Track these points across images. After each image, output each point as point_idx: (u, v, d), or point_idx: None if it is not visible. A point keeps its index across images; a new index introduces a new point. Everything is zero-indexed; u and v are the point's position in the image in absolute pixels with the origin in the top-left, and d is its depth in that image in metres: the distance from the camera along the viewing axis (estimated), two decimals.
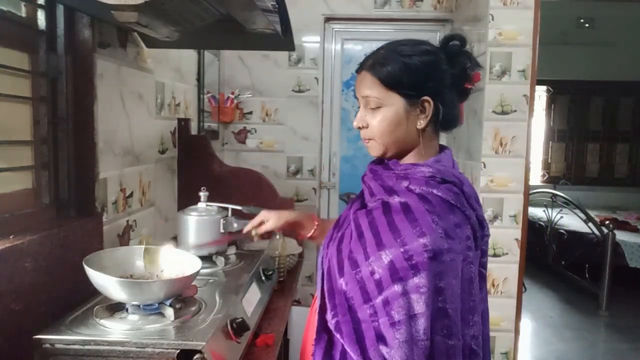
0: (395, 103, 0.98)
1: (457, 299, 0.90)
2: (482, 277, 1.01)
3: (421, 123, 0.99)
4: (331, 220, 1.25)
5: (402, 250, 0.88)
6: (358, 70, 1.03)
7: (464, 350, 0.92)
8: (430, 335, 0.86)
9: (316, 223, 1.29)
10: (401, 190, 0.96)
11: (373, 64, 0.99)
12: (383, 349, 0.86)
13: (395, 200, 0.96)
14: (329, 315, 0.95)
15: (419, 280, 0.86)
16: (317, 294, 1.04)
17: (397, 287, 0.87)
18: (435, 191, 0.94)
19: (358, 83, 1.03)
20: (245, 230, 1.34)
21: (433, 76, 0.98)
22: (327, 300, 0.97)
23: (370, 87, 0.99)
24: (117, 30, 1.54)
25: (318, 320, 0.98)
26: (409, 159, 1.03)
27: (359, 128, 1.03)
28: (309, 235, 1.29)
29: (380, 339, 0.87)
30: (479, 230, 0.98)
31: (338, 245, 1.02)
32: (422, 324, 0.85)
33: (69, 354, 1.00)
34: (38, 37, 1.28)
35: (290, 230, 1.33)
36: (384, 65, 0.98)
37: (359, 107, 1.04)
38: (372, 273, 0.90)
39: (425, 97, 0.97)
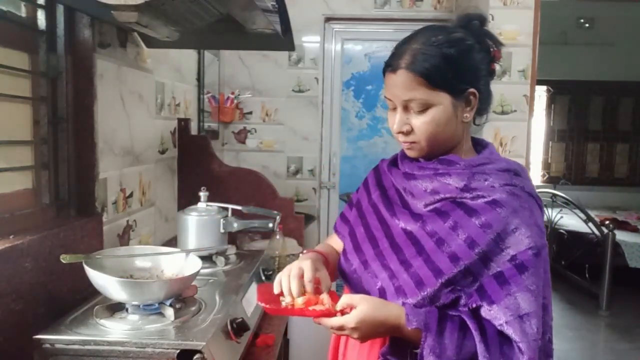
0: (443, 101, 0.89)
1: (549, 291, 0.89)
2: None
3: (467, 117, 0.93)
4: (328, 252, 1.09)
5: (503, 253, 0.84)
6: (392, 70, 0.91)
7: (547, 343, 0.90)
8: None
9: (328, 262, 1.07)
10: (482, 186, 0.89)
11: (412, 61, 0.88)
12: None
13: (478, 200, 0.88)
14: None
15: (527, 279, 0.83)
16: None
17: (505, 290, 0.82)
18: (519, 184, 0.90)
19: (392, 84, 0.91)
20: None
21: (472, 64, 0.92)
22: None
23: (412, 89, 0.89)
24: (117, 30, 1.54)
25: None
26: (451, 154, 0.96)
27: (401, 133, 0.93)
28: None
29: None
30: None
31: (398, 257, 0.91)
32: (534, 323, 0.82)
33: (69, 354, 1.00)
34: (38, 37, 1.28)
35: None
36: (424, 61, 0.87)
37: (388, 108, 0.95)
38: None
39: (471, 89, 0.91)
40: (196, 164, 2.18)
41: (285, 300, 0.89)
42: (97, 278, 1.07)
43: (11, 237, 1.09)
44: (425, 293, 0.86)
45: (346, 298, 0.84)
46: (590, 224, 4.42)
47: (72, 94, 1.36)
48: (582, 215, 4.47)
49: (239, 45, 2.31)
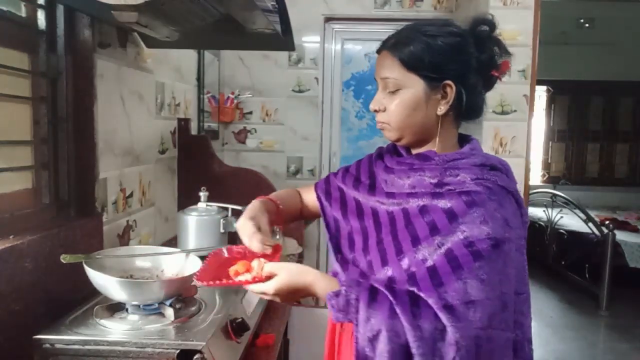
0: (414, 85, 0.92)
1: (512, 291, 0.87)
2: None
3: (441, 109, 0.93)
4: (280, 196, 1.13)
5: (462, 237, 0.84)
6: (379, 51, 0.97)
7: (522, 341, 0.89)
8: (490, 328, 0.81)
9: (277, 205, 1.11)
10: (453, 181, 0.91)
11: (395, 43, 0.94)
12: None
13: (449, 190, 0.90)
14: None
15: (480, 269, 0.81)
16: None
17: (455, 274, 0.82)
18: (491, 178, 0.90)
19: (377, 64, 0.97)
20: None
21: (457, 59, 0.92)
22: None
23: (389, 68, 0.94)
24: (117, 30, 1.54)
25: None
26: (426, 148, 0.97)
27: (375, 111, 0.97)
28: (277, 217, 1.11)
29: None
30: (525, 216, 0.95)
31: (377, 234, 0.95)
32: (478, 311, 0.80)
33: (69, 354, 1.00)
34: (38, 37, 1.28)
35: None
36: (406, 44, 0.92)
37: (376, 90, 0.99)
38: (424, 260, 0.85)
39: (447, 81, 0.92)
40: (196, 164, 2.18)
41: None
42: (97, 278, 1.07)
43: (11, 237, 1.09)
44: (388, 271, 0.89)
45: (269, 266, 0.89)
46: (590, 224, 4.42)
47: (72, 94, 1.36)
48: (582, 215, 4.47)
49: (239, 45, 2.31)
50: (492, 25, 0.96)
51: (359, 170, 1.11)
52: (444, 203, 0.88)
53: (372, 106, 0.98)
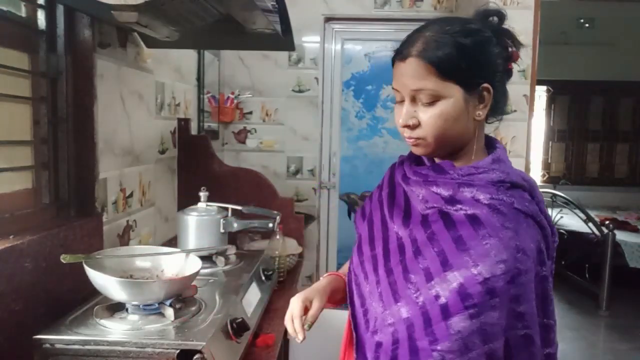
0: (454, 94, 0.83)
1: (536, 322, 0.82)
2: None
3: (480, 114, 0.86)
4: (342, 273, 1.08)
5: (474, 272, 0.76)
6: (402, 58, 0.85)
7: None
8: None
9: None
10: (466, 199, 0.83)
11: (424, 49, 0.83)
12: None
13: (459, 212, 0.82)
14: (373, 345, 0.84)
15: (495, 305, 0.76)
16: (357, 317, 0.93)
17: (469, 313, 0.76)
18: (507, 199, 0.82)
19: (401, 73, 0.86)
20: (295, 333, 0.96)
21: (487, 58, 0.85)
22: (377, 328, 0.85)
23: (422, 78, 0.83)
24: (117, 30, 1.54)
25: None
26: (462, 156, 0.90)
27: (407, 127, 0.87)
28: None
29: None
30: (551, 237, 0.88)
31: (385, 263, 0.89)
32: (498, 356, 0.77)
33: (69, 354, 1.00)
34: (38, 37, 1.28)
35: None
36: (436, 49, 0.82)
37: (395, 101, 0.89)
38: (437, 297, 0.78)
39: (485, 85, 0.84)
40: (196, 164, 2.18)
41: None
42: (97, 278, 1.07)
43: (11, 237, 1.09)
44: (400, 303, 0.83)
45: None
46: (590, 224, 4.42)
47: (72, 94, 1.36)
48: (582, 215, 4.47)
49: (239, 45, 2.31)
50: (501, 15, 0.89)
51: (381, 184, 1.06)
52: (454, 231, 0.81)
53: (403, 122, 0.86)
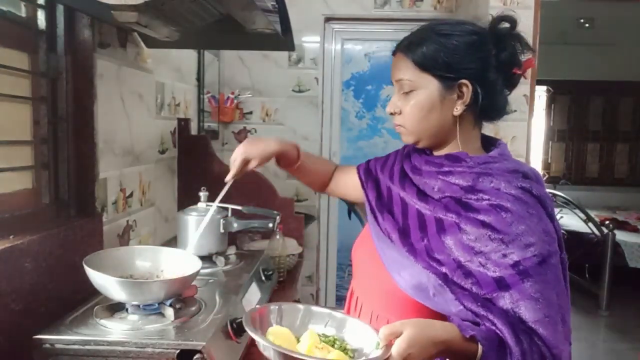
0: (428, 86, 0.91)
1: (568, 303, 0.85)
2: None
3: (457, 109, 0.91)
4: (310, 154, 1.27)
5: (508, 258, 0.81)
6: (393, 52, 0.96)
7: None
8: (557, 348, 0.80)
9: (299, 152, 1.23)
10: (487, 189, 0.87)
11: (409, 44, 0.93)
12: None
13: (482, 202, 0.86)
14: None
15: (529, 287, 0.80)
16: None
17: (504, 295, 0.80)
18: (526, 186, 0.87)
19: (392, 66, 0.96)
20: (228, 178, 1.18)
21: (474, 58, 0.90)
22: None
23: (403, 69, 0.93)
24: (117, 30, 1.54)
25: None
26: (447, 150, 0.95)
27: (392, 114, 0.96)
28: (294, 167, 1.23)
29: None
30: (559, 227, 0.92)
31: (404, 238, 0.91)
32: (541, 332, 0.79)
33: (69, 354, 1.00)
34: (38, 37, 1.28)
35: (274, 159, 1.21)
36: (419, 45, 0.91)
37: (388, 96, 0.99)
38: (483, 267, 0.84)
39: (463, 81, 0.89)
40: (196, 164, 2.18)
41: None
42: (97, 278, 1.07)
43: (11, 237, 1.09)
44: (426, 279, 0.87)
45: (386, 329, 0.75)
46: (590, 224, 4.42)
47: (72, 94, 1.36)
48: (582, 215, 4.47)
49: (239, 45, 2.31)
50: (513, 22, 0.93)
51: (392, 160, 1.10)
52: (481, 217, 0.85)
53: (388, 109, 0.97)
